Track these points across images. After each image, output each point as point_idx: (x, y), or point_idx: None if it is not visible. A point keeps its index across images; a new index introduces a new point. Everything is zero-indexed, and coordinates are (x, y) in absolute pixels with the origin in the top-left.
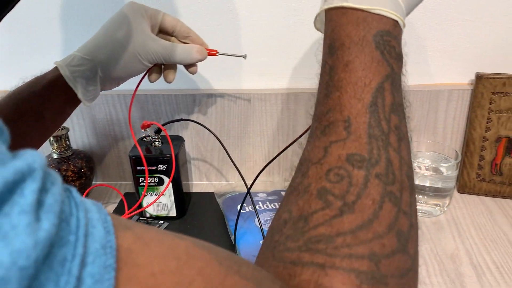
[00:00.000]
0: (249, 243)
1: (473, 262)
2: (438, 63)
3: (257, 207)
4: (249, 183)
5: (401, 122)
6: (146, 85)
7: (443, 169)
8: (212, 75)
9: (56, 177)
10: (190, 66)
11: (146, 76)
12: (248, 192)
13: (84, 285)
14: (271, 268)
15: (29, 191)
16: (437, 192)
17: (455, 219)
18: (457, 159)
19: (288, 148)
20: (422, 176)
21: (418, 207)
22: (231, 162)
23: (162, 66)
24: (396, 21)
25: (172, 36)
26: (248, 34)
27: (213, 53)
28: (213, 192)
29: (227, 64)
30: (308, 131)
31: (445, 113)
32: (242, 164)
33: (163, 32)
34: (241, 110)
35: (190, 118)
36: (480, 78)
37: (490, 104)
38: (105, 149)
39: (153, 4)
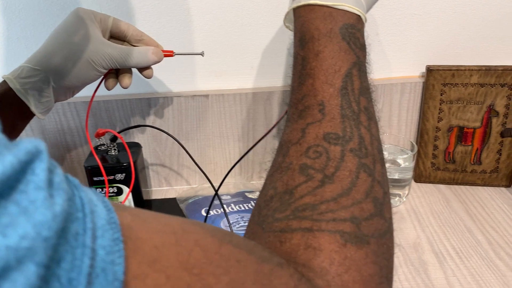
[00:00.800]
0: None
1: (435, 250)
2: (391, 57)
3: (224, 207)
4: (213, 185)
5: (369, 103)
6: (98, 91)
7: (400, 161)
8: (167, 78)
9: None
10: (144, 69)
11: (103, 83)
12: (216, 194)
13: (98, 256)
14: (261, 239)
15: (40, 169)
16: (395, 183)
17: (414, 208)
18: (413, 150)
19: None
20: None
21: None
22: (191, 166)
23: (117, 71)
24: (359, 16)
25: (124, 41)
26: (202, 35)
27: (169, 53)
28: (175, 198)
29: (182, 66)
30: (272, 129)
31: (399, 105)
32: (204, 167)
33: (114, 37)
34: (199, 112)
35: (147, 123)
36: (430, 71)
37: (441, 95)
38: (57, 160)
39: (101, 9)
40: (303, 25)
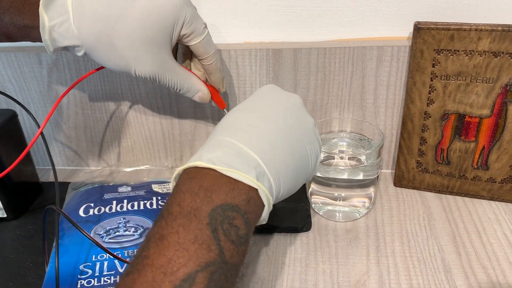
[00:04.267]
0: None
1: None
2: (365, 8)
3: (111, 205)
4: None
5: None
6: None
7: (362, 158)
8: None
9: None
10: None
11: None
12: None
13: None
14: None
15: None
16: (357, 186)
17: (379, 225)
18: (379, 142)
19: (176, 126)
20: (335, 167)
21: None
22: (110, 140)
23: None
24: (257, 194)
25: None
26: None
27: (220, 104)
28: (70, 183)
29: None
30: None
31: (375, 79)
32: (120, 144)
33: (180, 43)
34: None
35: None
36: (419, 30)
37: (434, 66)
38: None
39: None
40: (171, 196)
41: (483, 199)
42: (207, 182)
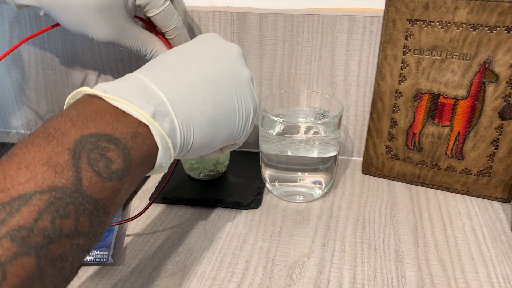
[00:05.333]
0: None
1: (319, 283)
2: None
3: None
4: None
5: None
6: None
7: (320, 129)
8: None
9: None
10: None
11: None
12: None
13: None
14: None
15: None
16: (315, 165)
17: (334, 209)
18: (339, 113)
19: None
20: (291, 138)
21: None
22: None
23: None
24: (147, 131)
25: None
26: None
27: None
28: None
29: None
30: None
31: (346, 53)
32: None
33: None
34: None
35: None
36: None
37: (406, 39)
38: None
39: None
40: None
41: (457, 193)
42: (90, 109)
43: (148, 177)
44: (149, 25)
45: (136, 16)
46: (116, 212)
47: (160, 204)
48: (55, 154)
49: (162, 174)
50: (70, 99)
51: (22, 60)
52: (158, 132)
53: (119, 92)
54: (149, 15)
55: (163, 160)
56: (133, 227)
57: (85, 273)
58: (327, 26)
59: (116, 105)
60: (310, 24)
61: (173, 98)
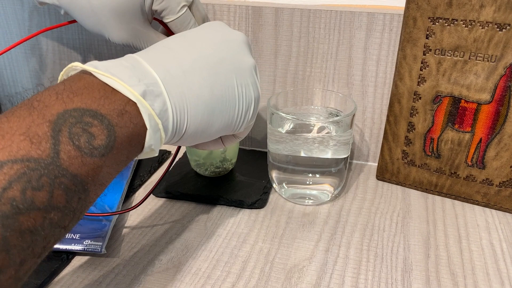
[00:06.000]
0: None
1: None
2: None
3: None
4: None
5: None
6: None
7: (331, 129)
8: None
9: None
10: None
11: None
12: None
13: None
14: None
15: None
16: (321, 167)
17: (343, 214)
18: (352, 112)
19: None
20: (303, 137)
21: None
22: None
23: None
24: (136, 109)
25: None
26: None
27: None
28: None
29: None
30: None
31: (363, 51)
32: None
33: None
34: None
35: None
36: None
37: (427, 38)
38: None
39: None
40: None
41: (477, 204)
42: (78, 85)
43: (155, 169)
44: (169, 30)
45: (156, 19)
46: (99, 191)
47: (164, 199)
48: (35, 125)
49: (168, 168)
50: (62, 75)
51: (40, 49)
52: (146, 110)
53: (110, 69)
54: (165, 21)
55: (152, 141)
56: (133, 220)
57: (77, 262)
58: (345, 23)
59: (105, 81)
60: (327, 20)
61: (168, 79)
